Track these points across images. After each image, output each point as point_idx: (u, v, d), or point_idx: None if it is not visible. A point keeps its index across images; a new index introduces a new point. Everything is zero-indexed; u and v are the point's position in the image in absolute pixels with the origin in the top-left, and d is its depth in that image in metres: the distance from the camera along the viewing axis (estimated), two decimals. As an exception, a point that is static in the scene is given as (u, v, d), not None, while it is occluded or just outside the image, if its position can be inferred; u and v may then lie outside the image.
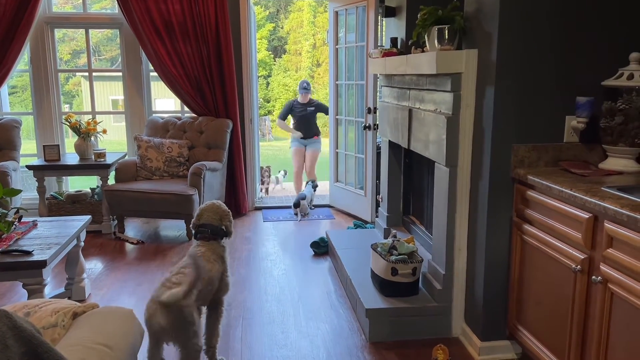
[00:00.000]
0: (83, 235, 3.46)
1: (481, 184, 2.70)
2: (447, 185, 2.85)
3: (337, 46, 5.45)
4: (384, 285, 3.08)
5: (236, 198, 5.45)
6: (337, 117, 5.57)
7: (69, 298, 3.45)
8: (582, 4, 2.50)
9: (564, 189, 2.17)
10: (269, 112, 33.64)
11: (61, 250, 2.98)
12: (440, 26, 2.75)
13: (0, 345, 1.12)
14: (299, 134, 6.54)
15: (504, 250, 2.67)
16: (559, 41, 2.52)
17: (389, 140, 4.01)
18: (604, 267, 1.96)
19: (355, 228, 4.63)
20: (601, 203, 1.93)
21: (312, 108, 6.39)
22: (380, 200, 4.32)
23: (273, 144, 22.92)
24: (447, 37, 2.74)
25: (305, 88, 6.30)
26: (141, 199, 4.58)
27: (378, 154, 4.94)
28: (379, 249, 3.18)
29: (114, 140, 5.95)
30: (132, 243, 4.65)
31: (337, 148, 5.63)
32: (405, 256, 3.05)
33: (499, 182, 2.61)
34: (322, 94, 32.07)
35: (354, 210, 5.37)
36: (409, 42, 3.30)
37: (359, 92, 5.18)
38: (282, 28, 36.79)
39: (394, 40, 4.00)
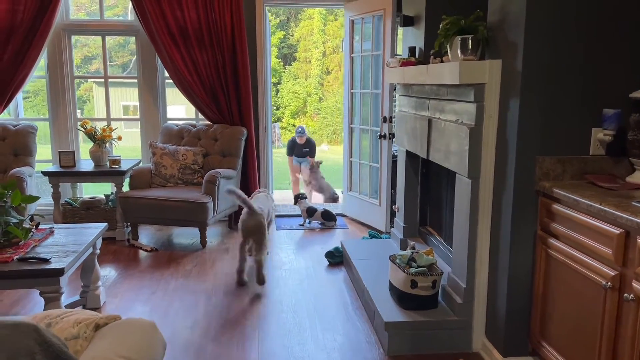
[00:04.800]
0: (99, 243, 3.44)
1: (504, 197, 2.66)
2: (468, 197, 2.81)
3: (352, 55, 5.43)
4: (402, 298, 3.03)
5: (249, 206, 5.42)
6: (351, 125, 5.55)
7: (84, 306, 3.44)
8: (610, 14, 2.46)
9: (592, 203, 2.12)
10: (279, 119, 33.74)
11: (78, 258, 2.97)
12: (464, 36, 2.72)
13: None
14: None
15: (527, 264, 2.62)
16: (586, 51, 2.48)
17: (406, 150, 3.97)
18: (636, 285, 1.91)
19: (371, 238, 4.59)
20: (634, 219, 1.88)
21: (307, 150, 7.82)
22: (397, 210, 4.28)
23: (282, 151, 22.92)
24: (470, 47, 2.70)
25: (300, 132, 7.81)
26: (155, 206, 4.57)
27: (393, 163, 4.91)
28: (397, 260, 3.14)
29: (127, 146, 5.94)
30: (145, 250, 4.63)
31: (351, 157, 5.60)
32: (425, 268, 3.01)
33: (522, 194, 2.57)
34: (331, 101, 32.08)
35: (368, 219, 5.33)
36: (430, 52, 3.27)
37: (374, 101, 5.16)
38: (292, 36, 36.93)
39: (412, 50, 3.98)
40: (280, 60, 35.40)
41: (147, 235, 5.10)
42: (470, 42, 2.71)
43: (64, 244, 3.07)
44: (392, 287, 3.17)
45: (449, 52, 2.90)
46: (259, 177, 5.50)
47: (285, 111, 34.41)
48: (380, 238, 4.58)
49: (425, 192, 4.06)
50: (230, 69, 5.16)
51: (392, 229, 4.40)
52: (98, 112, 20.03)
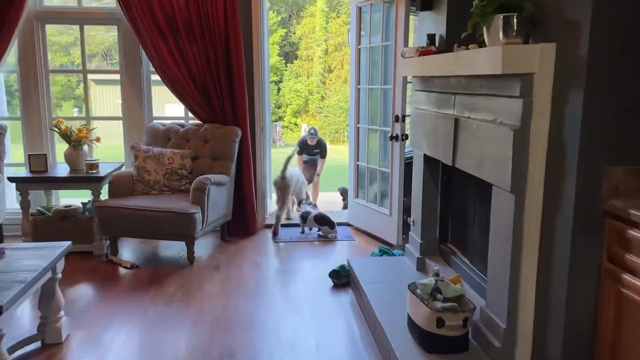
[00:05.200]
0: (60, 266, 2.88)
1: (559, 217, 2.09)
2: (510, 215, 2.25)
3: (359, 46, 4.87)
4: (425, 338, 2.47)
5: (244, 215, 4.86)
6: (358, 125, 4.98)
7: (43, 342, 2.88)
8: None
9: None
10: (280, 118, 33.16)
11: (27, 289, 2.41)
12: (507, 14, 2.15)
13: None
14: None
15: (589, 304, 2.05)
16: (671, 32, 1.91)
17: (424, 154, 3.41)
18: None
19: (381, 254, 4.01)
20: None
21: (318, 150, 7.39)
22: (412, 223, 3.71)
23: (283, 151, 22.35)
24: (515, 27, 2.14)
25: (313, 134, 7.35)
26: (136, 218, 4.01)
27: (406, 167, 4.35)
28: (418, 291, 2.57)
29: (116, 145, 5.32)
30: (125, 267, 4.07)
31: (357, 160, 5.03)
32: (454, 303, 2.44)
33: (584, 215, 2.00)
34: (333, 100, 31.51)
35: (376, 230, 4.77)
36: (462, 35, 2.67)
37: (384, 98, 4.59)
38: (294, 34, 36.42)
39: (431, 37, 3.41)
40: (281, 58, 34.90)
41: (129, 248, 4.54)
42: (515, 20, 2.14)
43: (12, 271, 2.51)
44: (412, 324, 2.60)
45: (485, 35, 2.34)
46: (255, 183, 4.94)
47: (287, 110, 33.91)
48: (393, 255, 4.02)
49: (447, 202, 3.49)
50: (224, 64, 4.60)
51: (406, 244, 3.83)
52: (93, 110, 19.44)
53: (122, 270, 4.04)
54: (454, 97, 2.87)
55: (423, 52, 3.29)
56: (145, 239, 4.59)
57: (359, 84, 4.90)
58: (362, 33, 4.88)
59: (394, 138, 4.38)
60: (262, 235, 4.93)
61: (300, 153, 7.43)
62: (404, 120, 4.33)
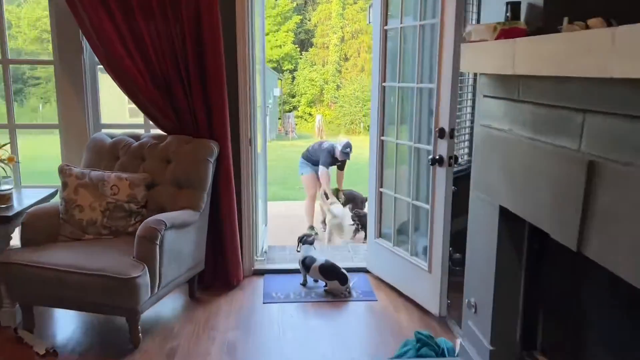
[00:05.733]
0: None
1: None
2: None
3: (385, 27, 3.45)
4: None
5: (224, 263, 3.52)
6: (382, 138, 3.58)
7: None
8: None
9: None
10: (294, 108, 31.78)
11: None
12: None
13: None
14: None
15: None
16: None
17: (500, 206, 2.02)
18: None
19: (419, 348, 2.60)
20: None
21: (340, 163, 6.03)
22: (474, 308, 2.32)
23: (296, 144, 20.93)
24: None
25: (346, 154, 5.76)
26: (54, 281, 2.68)
27: (455, 202, 2.98)
28: None
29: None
30: (37, 354, 2.75)
31: (381, 186, 3.64)
32: None
33: None
34: (349, 90, 30.07)
35: (408, 289, 3.39)
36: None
37: (422, 102, 3.19)
38: (309, 20, 34.94)
39: (514, 7, 2.00)
40: (296, 46, 33.56)
41: (54, 318, 3.21)
42: None
43: None
44: None
45: None
46: (241, 217, 3.59)
47: (301, 99, 32.56)
48: (437, 349, 2.60)
49: (538, 287, 2.10)
50: (195, 50, 3.24)
51: (460, 341, 2.44)
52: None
53: (33, 357, 2.72)
54: (581, 117, 1.47)
55: (505, 31, 1.89)
56: (68, 309, 3.15)
57: (384, 81, 3.50)
58: (390, 9, 3.46)
59: (436, 161, 2.99)
60: (247, 288, 3.58)
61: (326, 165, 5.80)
62: (452, 136, 2.93)
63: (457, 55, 2.79)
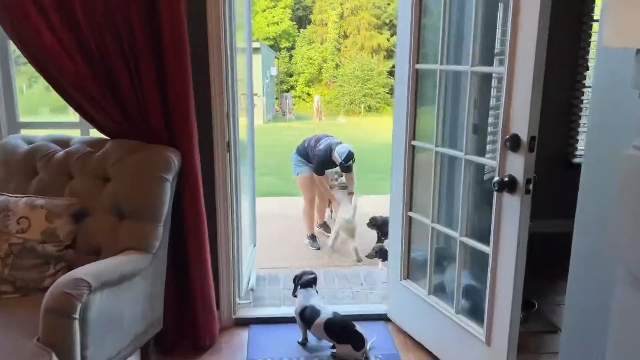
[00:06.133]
0: None
1: None
2: None
3: (420, -15, 2.40)
4: None
5: (192, 316, 2.52)
6: (412, 142, 2.56)
7: None
8: None
9: None
10: (292, 88, 30.58)
11: None
12: None
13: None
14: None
15: None
16: None
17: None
18: None
19: None
20: None
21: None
22: None
23: (294, 126, 19.84)
24: None
25: (350, 166, 4.66)
26: None
27: (531, 247, 1.98)
28: None
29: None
30: None
31: (410, 209, 2.62)
32: None
33: None
34: (348, 68, 28.86)
35: (449, 356, 2.40)
36: None
37: (482, 94, 2.16)
38: (307, -4, 33.54)
39: None
40: (294, 23, 32.23)
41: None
42: None
43: None
44: None
45: None
46: (216, 254, 2.59)
47: (299, 79, 31.37)
48: None
49: None
50: (143, 19, 2.20)
51: None
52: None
53: None
54: None
55: None
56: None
57: (417, 62, 2.45)
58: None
59: (504, 185, 1.97)
60: (227, 348, 2.60)
61: (319, 172, 4.73)
62: (532, 150, 1.90)
63: (545, 22, 1.77)
